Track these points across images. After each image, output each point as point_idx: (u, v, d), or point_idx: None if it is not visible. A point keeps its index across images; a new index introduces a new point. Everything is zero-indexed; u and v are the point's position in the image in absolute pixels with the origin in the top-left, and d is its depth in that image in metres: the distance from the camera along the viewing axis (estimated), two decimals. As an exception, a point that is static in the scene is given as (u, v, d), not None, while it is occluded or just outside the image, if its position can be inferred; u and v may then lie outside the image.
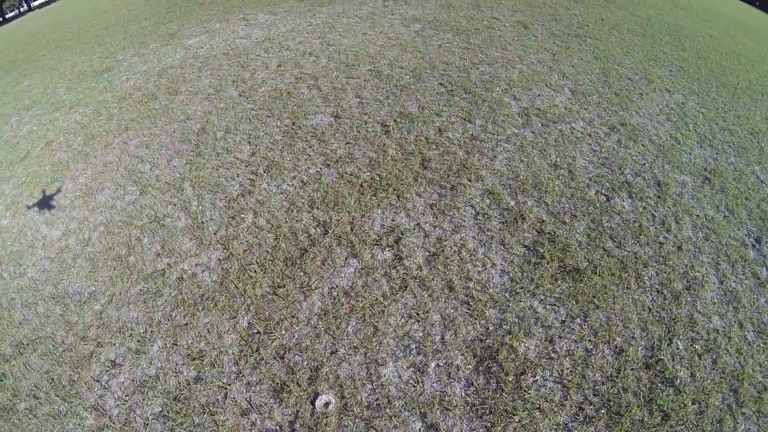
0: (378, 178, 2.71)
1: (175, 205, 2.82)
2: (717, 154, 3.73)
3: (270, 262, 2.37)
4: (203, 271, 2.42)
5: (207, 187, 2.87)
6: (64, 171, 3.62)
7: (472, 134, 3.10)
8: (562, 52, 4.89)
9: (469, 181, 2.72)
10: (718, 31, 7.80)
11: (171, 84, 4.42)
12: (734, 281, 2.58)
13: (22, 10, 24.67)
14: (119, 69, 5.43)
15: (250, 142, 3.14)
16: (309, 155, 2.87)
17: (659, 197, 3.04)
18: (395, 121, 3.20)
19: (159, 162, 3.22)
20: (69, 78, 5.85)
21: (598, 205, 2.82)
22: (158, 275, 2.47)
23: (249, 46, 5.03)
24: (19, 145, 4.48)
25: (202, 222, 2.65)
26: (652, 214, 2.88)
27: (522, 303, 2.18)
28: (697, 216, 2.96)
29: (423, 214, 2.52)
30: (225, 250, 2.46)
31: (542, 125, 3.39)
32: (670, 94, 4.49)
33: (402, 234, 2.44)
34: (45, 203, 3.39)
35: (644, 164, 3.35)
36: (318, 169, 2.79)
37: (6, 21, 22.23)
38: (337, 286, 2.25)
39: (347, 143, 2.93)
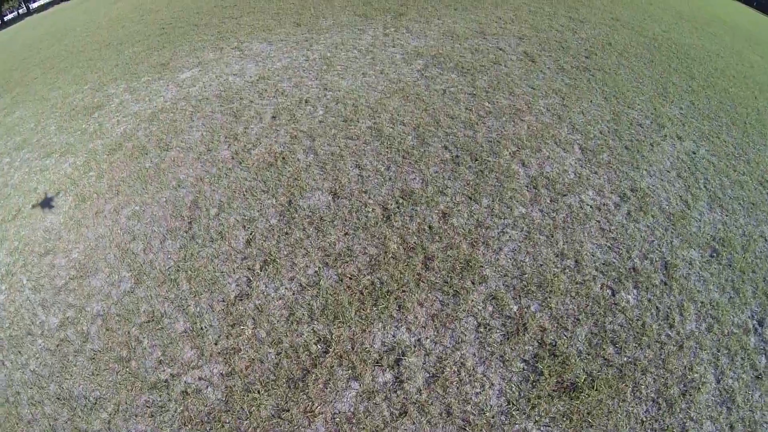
0: (378, 283, 2.56)
1: (172, 302, 2.70)
2: (727, 215, 3.56)
3: (273, 381, 2.28)
4: (207, 386, 2.34)
5: (203, 283, 2.73)
6: (57, 242, 3.48)
7: (477, 219, 2.92)
8: (571, 94, 4.56)
9: (473, 284, 2.56)
10: (723, 47, 7.45)
11: (162, 135, 4.15)
12: (731, 377, 2.51)
13: (21, 12, 24.42)
14: (110, 107, 5.12)
15: (244, 226, 2.97)
16: (307, 250, 2.71)
17: (665, 284, 2.92)
18: (397, 202, 3.00)
19: (152, 243, 3.07)
20: (60, 113, 5.54)
21: (602, 302, 2.69)
22: (162, 386, 2.40)
23: (242, 86, 4.69)
24: (10, 197, 4.30)
25: (201, 329, 2.54)
26: (657, 307, 2.76)
27: (517, 425, 2.13)
28: (702, 303, 2.85)
29: (424, 327, 2.39)
30: (227, 365, 2.36)
31: (551, 200, 3.20)
32: (680, 142, 4.25)
33: (403, 353, 2.34)
34: (39, 281, 3.28)
35: (653, 241, 3.20)
36: (317, 269, 2.64)
37: (5, 24, 21.87)
38: (339, 412, 2.19)
39: (346, 234, 2.77)
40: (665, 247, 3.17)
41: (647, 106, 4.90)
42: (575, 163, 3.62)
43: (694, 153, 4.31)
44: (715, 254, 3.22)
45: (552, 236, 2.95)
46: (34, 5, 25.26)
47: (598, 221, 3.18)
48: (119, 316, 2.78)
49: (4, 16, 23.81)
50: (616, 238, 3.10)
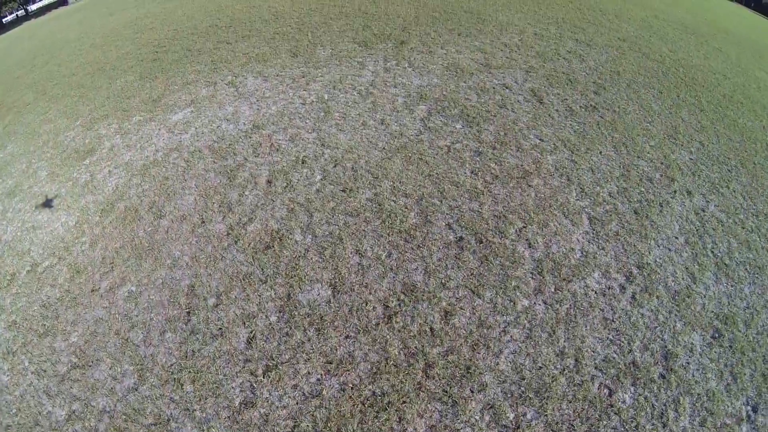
0: (380, 393, 2.50)
1: (177, 404, 2.63)
2: (733, 286, 3.45)
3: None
4: None
5: (207, 386, 2.65)
6: (55, 320, 3.37)
7: (479, 317, 2.79)
8: (580, 145, 4.31)
9: (472, 392, 2.47)
10: (729, 64, 7.24)
11: (154, 196, 3.95)
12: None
13: (20, 14, 24.12)
14: (101, 153, 4.87)
15: (244, 323, 2.85)
16: (308, 355, 2.60)
17: (664, 377, 2.84)
18: (398, 299, 2.86)
19: (152, 333, 2.97)
20: (51, 154, 5.29)
21: (598, 405, 2.62)
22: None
23: (236, 136, 4.41)
24: (5, 258, 4.16)
25: (207, 441, 2.50)
26: (653, 405, 2.69)
27: None
28: (698, 395, 2.78)
29: (425, 445, 2.36)
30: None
31: (555, 289, 3.06)
32: (690, 198, 4.06)
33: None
34: (41, 365, 3.20)
35: (656, 328, 3.09)
36: (319, 376, 2.55)
37: (3, 27, 21.51)
38: None
39: (347, 337, 2.65)
40: (667, 333, 3.07)
41: (657, 153, 4.68)
42: (582, 238, 3.46)
43: (703, 211, 4.14)
44: (716, 335, 3.13)
45: (553, 333, 2.84)
46: (33, 7, 25.07)
47: (602, 310, 3.06)
48: (126, 415, 2.72)
49: (3, 17, 23.62)
50: (618, 329, 2.99)
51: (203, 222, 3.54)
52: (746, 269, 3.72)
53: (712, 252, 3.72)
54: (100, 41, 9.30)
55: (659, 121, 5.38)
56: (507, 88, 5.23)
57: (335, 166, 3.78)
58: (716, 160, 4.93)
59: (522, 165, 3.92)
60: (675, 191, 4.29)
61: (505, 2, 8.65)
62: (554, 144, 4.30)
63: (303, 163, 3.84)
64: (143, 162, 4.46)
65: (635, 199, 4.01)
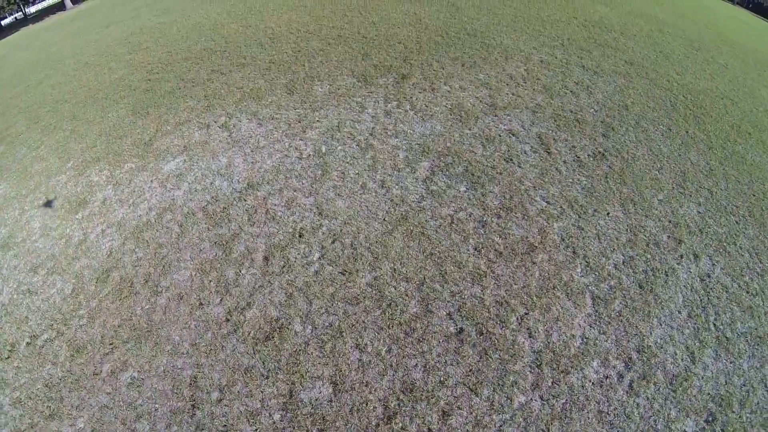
0: (381, 508, 2.50)
1: None
2: (732, 361, 3.41)
3: None
4: None
5: (212, 492, 2.65)
6: (59, 403, 3.34)
7: (476, 417, 2.76)
8: (588, 206, 4.18)
9: None
10: (736, 85, 7.17)
11: (150, 267, 3.82)
12: None
13: (18, 17, 23.64)
14: (94, 206, 4.71)
15: (249, 420, 2.81)
16: (311, 465, 2.60)
17: None
18: (398, 398, 2.83)
19: (158, 426, 2.93)
20: (40, 203, 5.10)
21: None
22: None
23: (230, 197, 4.24)
24: (2, 326, 4.09)
25: None
26: None
27: None
28: None
29: None
30: None
31: (552, 382, 3.01)
32: (696, 262, 3.97)
33: None
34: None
35: (650, 417, 3.07)
36: (321, 490, 2.56)
37: (2, 30, 21.08)
38: None
39: (348, 444, 2.65)
40: (661, 423, 3.05)
41: (665, 209, 4.52)
42: (584, 321, 3.39)
43: (709, 276, 4.05)
44: (710, 419, 3.12)
45: (548, 430, 2.83)
46: (32, 9, 24.55)
47: (598, 402, 3.04)
48: None
49: (3, 18, 23.09)
50: (612, 422, 2.97)
51: (201, 304, 3.47)
52: (747, 341, 3.68)
53: (714, 325, 3.67)
54: (94, 59, 8.89)
55: (668, 167, 5.20)
56: (513, 134, 5.01)
57: (333, 242, 3.66)
58: (724, 211, 4.80)
59: (527, 237, 3.79)
60: (681, 255, 4.19)
61: (509, 21, 8.21)
62: (561, 207, 4.15)
63: (300, 237, 3.71)
64: (136, 222, 4.32)
65: (641, 269, 3.92)
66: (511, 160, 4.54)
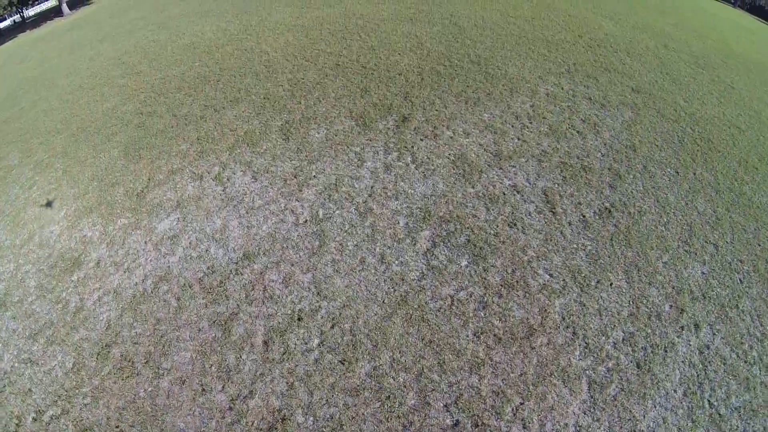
0: None
1: None
2: None
3: None
4: None
5: None
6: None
7: None
8: (591, 276, 4.04)
9: None
10: (743, 108, 7.04)
11: (150, 346, 3.71)
12: None
13: (16, 20, 23.46)
14: (88, 267, 4.56)
15: None
16: None
17: None
18: None
19: None
20: (38, 257, 4.93)
21: None
22: None
23: (227, 268, 4.08)
24: (6, 396, 4.01)
25: None
26: None
27: None
28: None
29: None
30: None
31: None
32: (696, 333, 3.91)
33: None
34: None
35: None
36: None
37: (1, 35, 20.86)
38: None
39: None
40: None
41: (670, 273, 4.34)
42: (579, 409, 3.34)
43: (708, 347, 3.99)
44: None
45: None
46: (30, 12, 24.36)
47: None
48: None
49: (1, 21, 22.82)
50: None
51: (204, 390, 3.39)
52: (740, 415, 3.65)
53: (709, 401, 3.64)
54: (87, 82, 8.52)
55: (674, 220, 4.98)
56: (518, 191, 4.77)
57: (333, 327, 3.53)
58: (729, 268, 4.64)
59: (527, 318, 3.67)
60: (683, 327, 4.08)
61: (513, 44, 7.74)
62: (564, 280, 3.98)
63: (299, 320, 3.58)
64: (133, 291, 4.16)
65: (640, 347, 3.84)
66: (515, 224, 4.37)
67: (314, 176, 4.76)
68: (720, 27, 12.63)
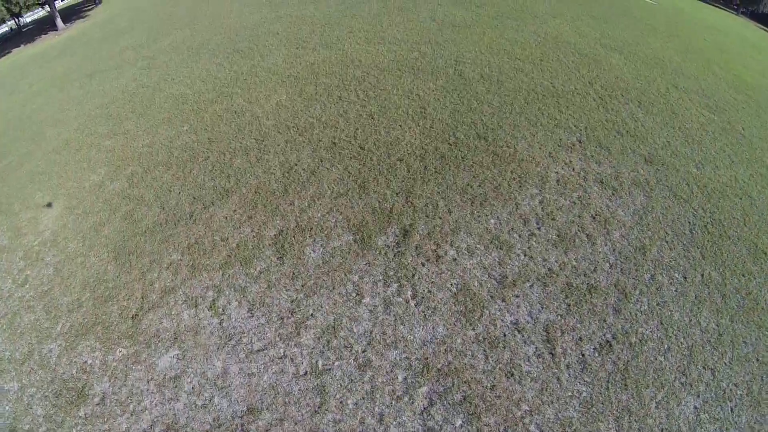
0: None
1: None
2: None
3: None
4: None
5: None
6: None
7: None
8: (581, 428, 3.80)
9: None
10: (755, 167, 6.66)
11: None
12: None
13: (12, 28, 22.71)
14: (93, 402, 4.35)
15: None
16: None
17: None
18: None
19: None
20: (41, 380, 4.72)
21: None
22: None
23: (231, 423, 3.85)
24: None
25: None
26: None
27: None
28: None
29: None
30: None
31: None
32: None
33: None
34: None
35: None
36: None
37: None
38: None
39: None
40: None
41: (661, 414, 4.10)
42: None
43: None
44: None
45: None
46: (27, 20, 23.48)
47: None
48: None
49: None
50: None
51: None
52: None
53: None
54: (74, 138, 7.79)
55: (675, 346, 4.61)
56: (519, 330, 4.41)
57: None
58: (722, 396, 4.40)
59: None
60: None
61: (522, 103, 6.81)
62: None
63: None
64: None
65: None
66: (512, 374, 4.11)
67: (312, 314, 4.41)
68: (728, 47, 11.25)
